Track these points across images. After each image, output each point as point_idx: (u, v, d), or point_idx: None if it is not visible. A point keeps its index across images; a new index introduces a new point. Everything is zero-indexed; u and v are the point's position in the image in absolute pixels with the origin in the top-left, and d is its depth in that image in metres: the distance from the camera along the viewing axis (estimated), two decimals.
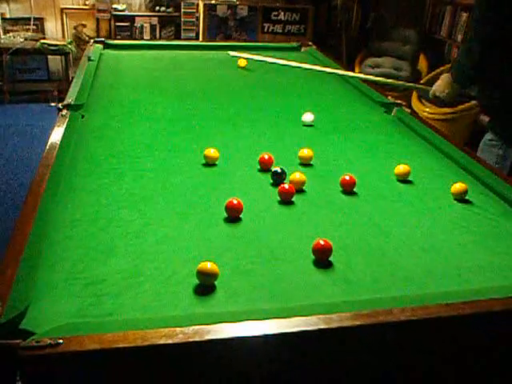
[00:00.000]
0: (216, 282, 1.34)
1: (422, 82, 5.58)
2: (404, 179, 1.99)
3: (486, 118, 5.23)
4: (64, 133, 2.15)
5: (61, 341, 1.07)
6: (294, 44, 4.14)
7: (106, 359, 1.11)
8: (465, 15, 5.71)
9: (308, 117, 2.45)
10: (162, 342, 1.10)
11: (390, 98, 2.85)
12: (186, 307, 1.26)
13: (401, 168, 1.99)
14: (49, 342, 1.07)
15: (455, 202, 1.86)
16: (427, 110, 5.05)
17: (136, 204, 1.72)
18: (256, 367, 1.18)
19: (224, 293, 1.32)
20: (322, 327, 1.17)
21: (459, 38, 5.81)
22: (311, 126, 2.45)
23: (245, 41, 5.76)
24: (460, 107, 4.92)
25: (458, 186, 1.87)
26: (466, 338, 1.32)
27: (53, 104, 5.41)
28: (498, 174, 2.01)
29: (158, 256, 1.45)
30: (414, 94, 5.33)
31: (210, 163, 2.03)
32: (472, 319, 1.28)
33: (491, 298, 1.32)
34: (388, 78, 5.54)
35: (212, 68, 3.52)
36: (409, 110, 2.67)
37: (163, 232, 1.57)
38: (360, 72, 5.67)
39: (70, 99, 2.52)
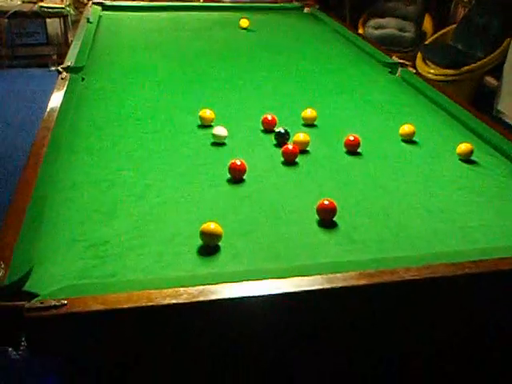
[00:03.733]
0: (219, 243, 1.33)
1: (426, 42, 5.51)
2: (409, 139, 1.96)
3: (491, 80, 5.17)
4: (64, 95, 2.13)
5: (65, 302, 1.07)
6: (297, 4, 4.06)
7: (110, 320, 1.10)
8: None
9: (220, 130, 1.89)
10: (166, 302, 1.10)
11: (394, 58, 2.80)
12: (190, 268, 1.25)
13: (405, 128, 1.96)
14: (53, 303, 1.07)
15: (461, 162, 1.84)
16: (431, 71, 4.97)
17: (138, 166, 1.71)
18: (260, 327, 1.18)
19: (228, 253, 1.31)
20: (326, 287, 1.16)
21: None
22: (223, 143, 1.90)
23: (246, 1, 5.64)
24: (465, 68, 4.85)
25: (463, 147, 1.85)
26: (471, 297, 1.31)
27: (52, 68, 5.34)
28: (504, 134, 1.98)
29: (161, 217, 1.44)
30: (419, 55, 5.24)
31: (205, 124, 2.00)
32: (478, 278, 1.28)
33: (497, 257, 1.31)
34: (392, 39, 5.49)
35: (213, 29, 3.45)
36: (413, 70, 2.63)
37: (166, 193, 1.56)
38: (364, 33, 5.57)
39: (69, 62, 2.48)
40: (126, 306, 1.08)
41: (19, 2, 5.57)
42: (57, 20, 5.82)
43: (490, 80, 5.23)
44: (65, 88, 2.19)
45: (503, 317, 1.35)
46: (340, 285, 1.17)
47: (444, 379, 1.43)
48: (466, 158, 1.84)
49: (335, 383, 1.36)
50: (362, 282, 1.19)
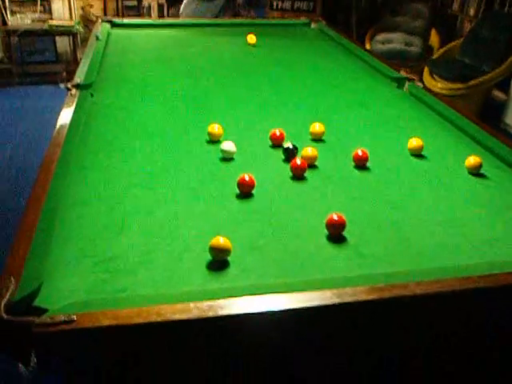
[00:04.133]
0: (229, 258, 1.33)
1: (433, 57, 5.52)
2: (417, 153, 1.96)
3: (499, 94, 5.17)
4: (73, 112, 2.14)
5: (74, 317, 1.07)
6: (304, 20, 4.08)
7: (120, 335, 1.10)
8: None
9: (229, 146, 1.90)
10: (176, 317, 1.10)
11: (402, 72, 2.81)
12: (200, 283, 1.26)
13: (414, 142, 1.96)
14: (63, 318, 1.07)
15: (470, 175, 1.83)
16: (439, 85, 4.98)
17: (147, 181, 1.71)
18: (270, 342, 1.18)
19: (237, 268, 1.31)
20: (335, 301, 1.16)
21: (471, 11, 5.71)
22: (232, 158, 1.90)
23: (253, 18, 5.70)
24: (472, 82, 4.85)
25: (472, 160, 1.85)
26: (481, 311, 1.30)
27: (62, 85, 5.39)
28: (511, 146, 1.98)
29: (171, 232, 1.45)
30: (426, 70, 5.26)
31: (214, 140, 2.01)
32: (487, 293, 1.27)
33: (507, 271, 1.30)
34: (399, 54, 5.51)
35: (221, 45, 3.48)
36: (421, 85, 2.63)
37: (175, 209, 1.56)
38: (371, 48, 5.60)
39: (78, 78, 2.51)
40: (135, 322, 1.08)
41: (29, 21, 5.65)
42: (66, 38, 5.89)
43: (498, 94, 5.23)
44: (74, 104, 2.21)
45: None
46: (350, 299, 1.17)
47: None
48: (475, 172, 1.84)
49: None
50: (372, 296, 1.18)
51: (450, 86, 4.94)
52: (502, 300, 1.31)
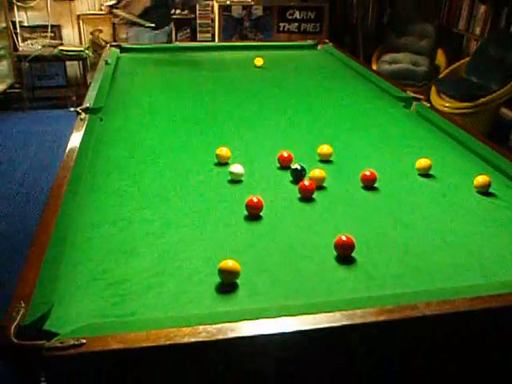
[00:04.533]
0: (238, 280, 1.33)
1: (440, 76, 5.54)
2: (425, 173, 1.96)
3: (507, 112, 5.17)
4: (83, 136, 2.17)
5: (84, 341, 1.08)
6: (311, 42, 4.12)
7: (129, 359, 1.11)
8: (483, 7, 5.63)
9: (237, 168, 1.90)
10: (185, 340, 1.10)
11: (408, 92, 2.82)
12: (209, 305, 1.26)
13: (422, 162, 1.97)
14: (72, 342, 1.08)
15: (478, 195, 1.83)
16: (447, 104, 4.99)
17: (156, 204, 1.72)
18: (279, 365, 1.18)
19: (246, 290, 1.31)
20: (345, 323, 1.15)
21: (477, 30, 5.74)
22: (240, 180, 1.90)
23: (260, 40, 5.76)
24: (481, 100, 4.86)
25: (480, 179, 1.84)
26: (493, 332, 1.29)
27: (72, 109, 5.43)
28: None
29: (180, 255, 1.45)
30: (433, 89, 5.27)
31: (222, 162, 2.02)
32: (499, 313, 1.26)
33: None
34: (406, 74, 5.53)
35: (229, 68, 3.52)
36: (428, 104, 2.64)
37: (184, 231, 1.57)
38: (377, 68, 5.63)
39: (88, 103, 2.54)
40: (144, 345, 1.09)
41: (40, 47, 5.73)
42: (76, 63, 5.97)
43: (506, 112, 5.23)
44: (83, 128, 2.24)
45: None
46: (359, 321, 1.16)
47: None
48: (484, 191, 1.84)
49: None
50: (382, 318, 1.18)
51: (458, 104, 4.95)
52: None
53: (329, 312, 1.18)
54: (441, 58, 5.83)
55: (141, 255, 1.45)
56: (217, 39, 6.08)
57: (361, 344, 1.20)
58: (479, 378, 1.35)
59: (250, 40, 5.89)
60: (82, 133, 2.19)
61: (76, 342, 1.07)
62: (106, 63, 3.35)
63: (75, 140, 2.12)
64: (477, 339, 1.29)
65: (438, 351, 1.28)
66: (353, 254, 1.45)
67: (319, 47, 4.01)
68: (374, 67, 5.70)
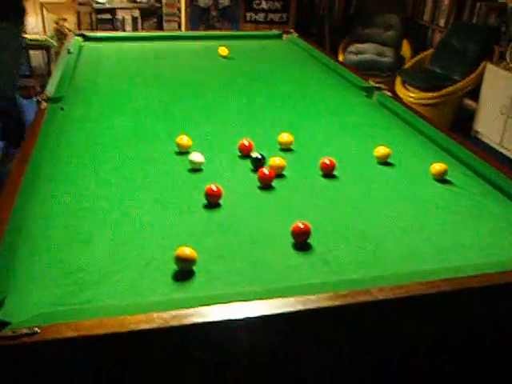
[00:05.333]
0: (195, 268, 1.34)
1: (405, 67, 5.60)
2: (384, 161, 1.99)
3: (470, 102, 5.26)
4: (43, 125, 2.14)
5: (37, 330, 1.07)
6: (276, 32, 4.11)
7: (83, 346, 1.10)
8: (447, 0, 5.71)
9: (196, 156, 1.91)
10: (140, 327, 1.10)
11: (371, 82, 2.85)
12: (165, 293, 1.26)
13: (381, 150, 1.99)
14: (25, 331, 1.07)
15: (436, 182, 1.86)
16: (411, 94, 5.05)
17: (115, 193, 1.72)
18: (234, 350, 1.19)
19: (203, 278, 1.32)
20: (299, 308, 1.17)
21: (442, 22, 5.82)
22: (200, 169, 1.90)
23: (227, 30, 5.73)
24: (444, 91, 4.94)
25: (437, 167, 1.88)
26: (445, 315, 1.32)
27: (36, 99, 5.35)
28: (478, 154, 2.01)
29: (137, 243, 1.45)
30: (398, 79, 5.33)
31: (183, 151, 2.02)
32: (451, 296, 1.29)
33: (470, 274, 1.33)
34: (371, 64, 5.58)
35: (194, 58, 3.49)
36: (390, 94, 2.67)
37: (142, 220, 1.57)
38: (344, 59, 5.66)
39: (48, 92, 2.51)
40: (99, 332, 1.09)
41: None
42: (40, 52, 5.86)
43: (469, 102, 5.32)
44: (44, 118, 2.21)
45: (475, 332, 1.36)
46: (314, 306, 1.18)
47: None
48: (441, 178, 1.87)
49: None
50: (336, 302, 1.20)
51: (422, 95, 5.01)
52: (466, 302, 1.33)
53: (284, 297, 1.20)
54: (406, 49, 5.89)
55: (98, 244, 1.45)
56: (183, 29, 6.03)
57: (316, 328, 1.22)
58: (435, 359, 1.38)
59: (216, 30, 5.86)
60: (42, 122, 2.17)
61: (29, 331, 1.07)
62: (69, 52, 3.29)
63: (35, 129, 2.09)
64: (432, 323, 1.32)
65: (394, 335, 1.30)
66: (310, 241, 1.47)
67: (284, 37, 4.00)
68: (341, 58, 5.73)
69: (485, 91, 4.89)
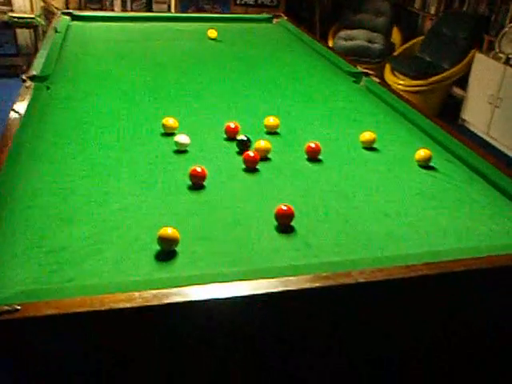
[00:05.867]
0: (178, 248, 1.34)
1: (395, 54, 5.60)
2: (369, 146, 2.00)
3: (458, 90, 5.28)
4: (28, 104, 2.12)
5: (18, 307, 1.07)
6: (266, 15, 4.10)
7: (64, 324, 1.11)
8: None
9: (182, 138, 1.90)
10: (120, 306, 1.10)
11: (359, 67, 2.85)
12: (147, 273, 1.26)
13: (366, 135, 2.00)
14: (6, 308, 1.07)
15: (420, 168, 1.87)
16: (401, 82, 5.06)
17: (99, 173, 1.71)
18: (216, 330, 1.19)
19: (185, 258, 1.32)
20: (280, 289, 1.18)
21: (432, 10, 5.81)
22: (186, 150, 1.90)
23: (217, 13, 5.69)
24: (432, 79, 4.95)
25: (422, 153, 1.89)
26: (424, 298, 1.34)
27: (21, 77, 5.29)
28: (463, 141, 2.03)
29: (120, 224, 1.45)
30: (387, 66, 5.33)
31: (169, 132, 2.01)
32: (430, 280, 1.31)
33: (451, 259, 1.34)
34: (361, 51, 5.58)
35: (182, 39, 3.47)
36: (377, 80, 2.67)
37: (126, 200, 1.56)
38: (333, 45, 5.65)
39: (34, 71, 2.48)
40: (79, 310, 1.09)
41: None
42: (27, 31, 5.79)
43: (457, 90, 5.33)
44: (28, 97, 2.19)
45: (454, 314, 1.38)
46: (294, 287, 1.19)
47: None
48: (425, 164, 1.88)
49: None
50: (316, 284, 1.21)
51: (411, 82, 5.02)
52: (445, 286, 1.35)
53: (265, 278, 1.21)
54: (396, 36, 5.89)
55: (81, 223, 1.44)
56: (173, 10, 5.98)
57: (297, 309, 1.24)
58: (414, 342, 1.40)
59: (206, 12, 5.81)
60: (26, 101, 2.15)
61: (10, 309, 1.07)
62: (56, 31, 3.26)
63: (19, 108, 2.07)
64: (412, 306, 1.33)
65: (375, 317, 1.32)
66: (293, 224, 1.47)
67: (274, 21, 3.99)
68: (330, 43, 5.72)
69: (473, 80, 4.90)
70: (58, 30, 3.28)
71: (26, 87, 2.30)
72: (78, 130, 2.02)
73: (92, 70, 2.75)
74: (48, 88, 2.39)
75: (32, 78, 2.39)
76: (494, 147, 4.64)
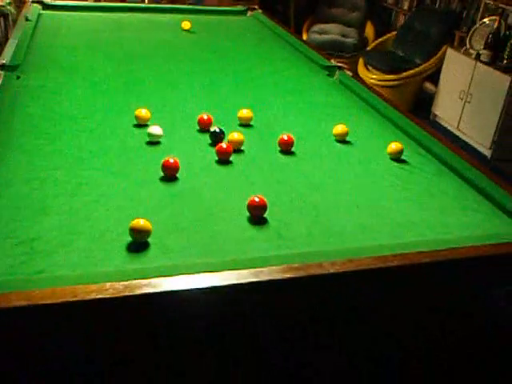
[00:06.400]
0: (150, 240, 1.34)
1: (368, 48, 5.64)
2: (342, 139, 2.01)
3: (430, 86, 5.34)
4: None
5: None
6: (240, 8, 4.09)
7: (34, 316, 1.09)
8: None
9: (155, 129, 1.89)
10: (92, 297, 1.10)
11: (333, 61, 2.86)
12: (119, 264, 1.25)
13: (339, 128, 2.01)
14: None
15: (391, 161, 1.90)
16: (373, 76, 5.10)
17: (71, 164, 1.69)
18: (187, 321, 1.20)
19: (157, 250, 1.32)
20: (252, 280, 1.18)
21: (406, 5, 5.87)
22: (158, 142, 1.90)
23: (191, 4, 5.65)
24: (404, 74, 5.00)
25: (393, 146, 1.91)
26: (395, 289, 1.36)
27: None
28: (433, 134, 2.06)
29: (92, 215, 1.44)
30: (361, 61, 5.37)
31: (141, 123, 2.00)
32: (401, 271, 1.32)
33: (420, 250, 1.36)
34: (335, 45, 5.60)
35: (155, 31, 3.44)
36: (350, 73, 2.69)
37: (98, 191, 1.55)
38: (307, 38, 5.66)
39: (3, 59, 2.44)
40: (50, 302, 1.08)
41: None
42: None
43: (429, 86, 5.40)
44: None
45: (424, 305, 1.40)
46: (266, 278, 1.20)
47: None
48: (397, 157, 1.90)
49: None
50: (288, 275, 1.21)
51: (384, 77, 5.07)
52: (416, 277, 1.37)
53: (237, 269, 1.21)
54: (370, 30, 5.94)
55: (52, 214, 1.43)
56: (146, 1, 5.93)
57: (268, 300, 1.24)
58: (386, 331, 1.42)
59: (180, 3, 5.77)
60: None
61: None
62: (27, 19, 3.21)
63: None
64: (382, 296, 1.35)
65: (346, 307, 1.33)
66: (265, 215, 1.48)
67: (249, 14, 3.98)
68: (305, 37, 5.74)
69: (444, 75, 4.97)
70: (29, 18, 3.23)
71: None
72: (49, 121, 1.99)
73: (64, 60, 2.71)
74: (18, 77, 2.35)
75: (1, 67, 2.35)
76: (463, 141, 4.72)
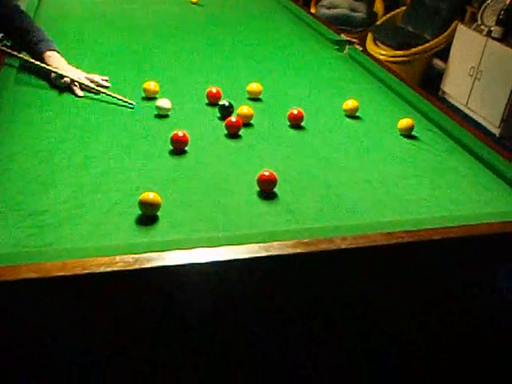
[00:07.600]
0: (159, 213, 1.33)
1: (377, 23, 5.56)
2: (352, 114, 1.99)
3: (439, 62, 5.28)
4: (3, 66, 2.06)
5: None
6: None
7: (44, 288, 1.09)
8: None
9: (163, 102, 1.87)
10: (101, 270, 1.09)
11: (342, 35, 2.82)
12: (128, 237, 1.25)
13: (349, 103, 1.99)
14: None
15: (402, 137, 1.87)
16: (382, 52, 5.04)
17: (79, 137, 1.68)
18: (198, 295, 1.19)
19: (167, 223, 1.31)
20: (262, 255, 1.17)
21: None
22: (167, 115, 1.88)
23: None
24: (413, 50, 4.94)
25: (404, 122, 1.89)
26: (406, 265, 1.35)
27: None
28: (444, 111, 2.03)
29: (101, 187, 1.43)
30: (370, 36, 5.30)
31: (150, 96, 1.99)
32: (412, 247, 1.31)
33: (430, 227, 1.35)
34: (343, 19, 5.53)
35: (163, 3, 3.40)
36: (360, 48, 2.65)
37: (106, 164, 1.54)
38: (316, 13, 5.59)
39: None
40: (60, 274, 1.07)
41: None
42: None
43: (439, 62, 5.33)
44: (3, 58, 2.13)
45: (436, 285, 1.39)
46: (276, 253, 1.19)
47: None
48: (407, 133, 1.88)
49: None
50: (298, 250, 1.20)
51: (393, 53, 5.01)
52: (426, 254, 1.36)
53: (247, 244, 1.20)
54: (379, 5, 5.85)
55: (61, 187, 1.42)
56: None
57: (279, 275, 1.24)
58: (395, 309, 1.41)
59: None
60: (2, 61, 2.09)
61: None
62: None
63: None
64: (393, 273, 1.34)
65: (356, 284, 1.32)
66: (275, 190, 1.47)
67: None
68: (313, 10, 5.66)
69: (454, 52, 4.90)
70: None
71: (1, 48, 2.23)
72: (55, 94, 1.97)
73: (70, 31, 2.69)
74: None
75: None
76: (472, 119, 4.68)
